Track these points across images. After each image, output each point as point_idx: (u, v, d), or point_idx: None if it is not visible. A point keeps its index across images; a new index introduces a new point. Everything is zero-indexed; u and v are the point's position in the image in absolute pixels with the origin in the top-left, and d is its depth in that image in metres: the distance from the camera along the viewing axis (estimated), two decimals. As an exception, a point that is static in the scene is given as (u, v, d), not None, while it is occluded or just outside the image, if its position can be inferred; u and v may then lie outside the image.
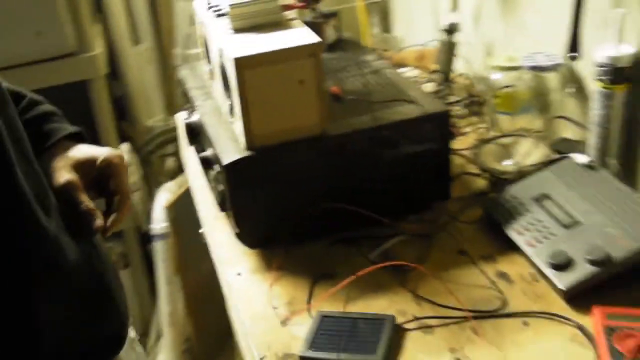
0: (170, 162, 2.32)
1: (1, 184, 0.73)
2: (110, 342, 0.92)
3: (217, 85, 1.15)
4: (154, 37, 2.22)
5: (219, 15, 1.13)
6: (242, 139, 1.03)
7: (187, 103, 1.33)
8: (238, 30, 1.06)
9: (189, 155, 1.40)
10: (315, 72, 1.00)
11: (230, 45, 1.01)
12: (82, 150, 0.91)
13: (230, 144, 1.05)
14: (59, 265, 0.80)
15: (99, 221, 0.85)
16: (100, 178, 0.91)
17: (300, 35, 1.02)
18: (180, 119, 1.37)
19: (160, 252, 2.05)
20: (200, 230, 1.34)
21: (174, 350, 2.17)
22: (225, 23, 1.08)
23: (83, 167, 0.89)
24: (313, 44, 0.99)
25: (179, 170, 2.16)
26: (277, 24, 1.06)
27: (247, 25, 1.06)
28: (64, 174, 0.87)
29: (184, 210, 2.05)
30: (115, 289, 0.92)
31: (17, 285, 0.76)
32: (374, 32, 1.93)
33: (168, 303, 2.08)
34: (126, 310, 0.96)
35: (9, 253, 0.74)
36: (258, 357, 0.89)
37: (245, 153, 1.01)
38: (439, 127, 1.09)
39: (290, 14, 1.11)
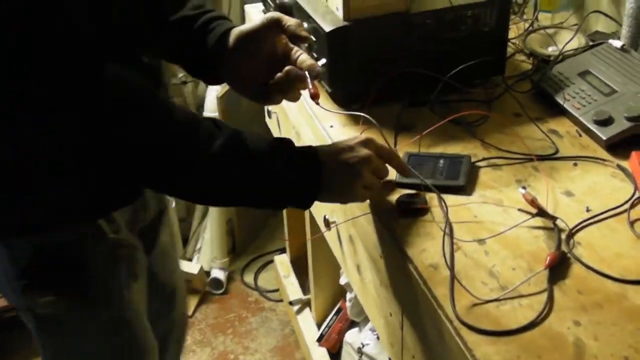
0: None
1: None
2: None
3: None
4: None
5: None
6: (339, 12, 1.22)
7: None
8: None
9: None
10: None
11: None
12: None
13: (328, 17, 1.24)
14: None
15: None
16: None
17: None
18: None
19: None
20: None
21: (218, 229, 2.40)
22: None
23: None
24: None
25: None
26: None
27: None
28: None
29: (233, 101, 2.24)
30: None
31: None
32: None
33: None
34: None
35: None
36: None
37: (344, 23, 1.21)
38: (501, 11, 1.29)
39: None
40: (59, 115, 0.82)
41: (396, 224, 1.02)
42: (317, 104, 1.03)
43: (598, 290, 0.89)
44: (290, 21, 1.05)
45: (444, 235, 0.97)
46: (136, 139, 0.87)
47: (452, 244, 0.96)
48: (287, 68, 1.02)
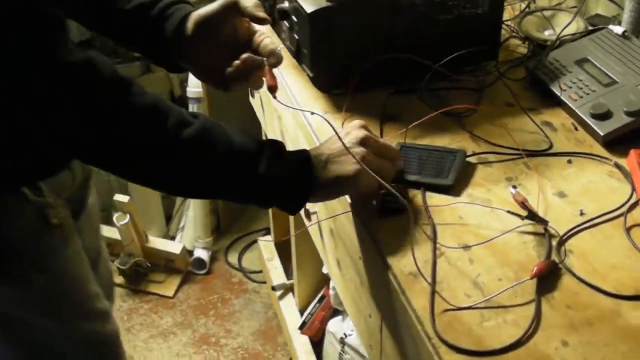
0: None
1: None
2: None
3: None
4: None
5: None
6: (322, -8, 1.13)
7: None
8: None
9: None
10: None
11: None
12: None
13: (311, -4, 1.15)
14: None
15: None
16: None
17: None
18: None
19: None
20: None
21: (202, 207, 2.33)
22: None
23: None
24: None
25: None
26: None
27: None
28: None
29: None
30: None
31: None
32: None
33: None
34: None
35: None
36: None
37: (327, 3, 1.12)
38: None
39: None
40: (59, 115, 0.80)
41: (376, 225, 0.95)
42: (274, 97, 0.95)
43: (590, 305, 0.82)
44: (247, 2, 0.97)
45: (412, 240, 0.90)
46: (131, 139, 0.84)
47: (434, 249, 0.89)
48: (244, 55, 0.95)
